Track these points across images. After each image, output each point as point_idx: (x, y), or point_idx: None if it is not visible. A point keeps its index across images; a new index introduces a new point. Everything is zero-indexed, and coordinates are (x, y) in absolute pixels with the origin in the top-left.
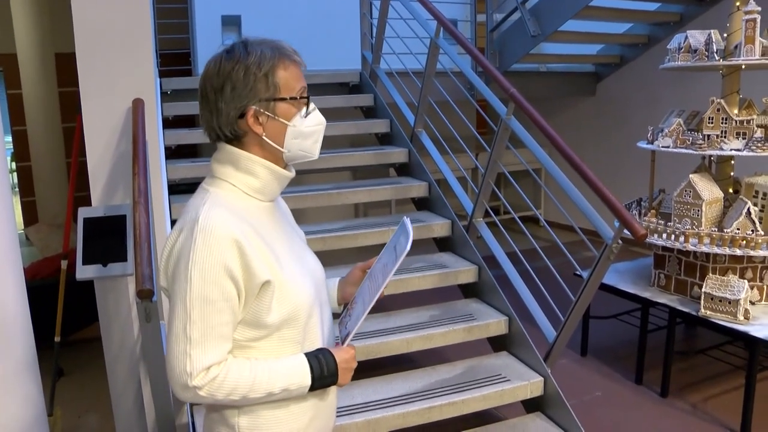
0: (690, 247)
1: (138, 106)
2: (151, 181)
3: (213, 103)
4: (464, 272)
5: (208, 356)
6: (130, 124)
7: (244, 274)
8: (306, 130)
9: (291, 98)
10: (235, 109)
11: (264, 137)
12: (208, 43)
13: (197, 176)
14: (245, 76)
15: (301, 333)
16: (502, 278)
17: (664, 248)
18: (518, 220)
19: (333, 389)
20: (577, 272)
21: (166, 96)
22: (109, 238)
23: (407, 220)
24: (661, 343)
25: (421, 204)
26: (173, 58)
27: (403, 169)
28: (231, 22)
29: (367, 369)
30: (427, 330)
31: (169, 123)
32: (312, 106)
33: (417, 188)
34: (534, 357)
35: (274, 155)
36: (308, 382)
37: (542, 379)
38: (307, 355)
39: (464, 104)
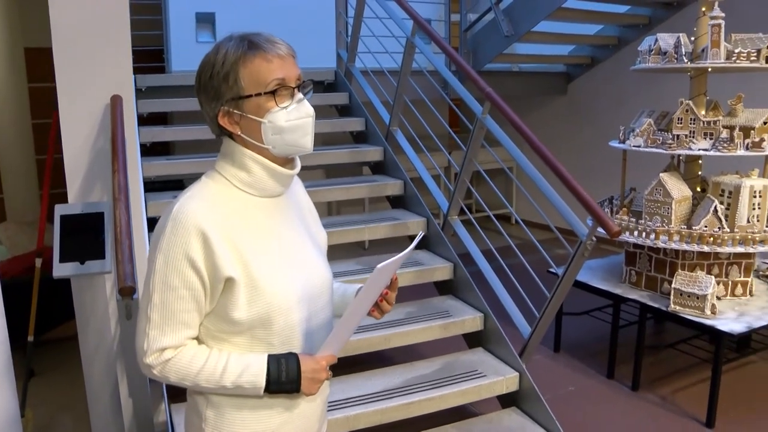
0: (660, 244)
1: (116, 102)
2: (129, 179)
3: (200, 105)
4: (440, 269)
5: (165, 339)
6: (108, 120)
7: (208, 267)
8: (286, 125)
9: (257, 94)
10: (210, 110)
11: (242, 135)
12: (182, 40)
13: (172, 174)
14: (211, 78)
15: (274, 335)
16: (477, 275)
17: (635, 245)
18: (493, 217)
19: (315, 398)
20: (551, 269)
21: (140, 93)
22: (86, 236)
23: (419, 235)
24: (631, 339)
25: (397, 202)
26: (147, 55)
27: (379, 168)
28: (205, 19)
29: (346, 366)
30: (404, 327)
31: (143, 120)
32: (297, 97)
33: (392, 186)
34: (509, 353)
35: (265, 149)
36: (262, 382)
37: (517, 374)
38: (270, 356)
39: (438, 103)
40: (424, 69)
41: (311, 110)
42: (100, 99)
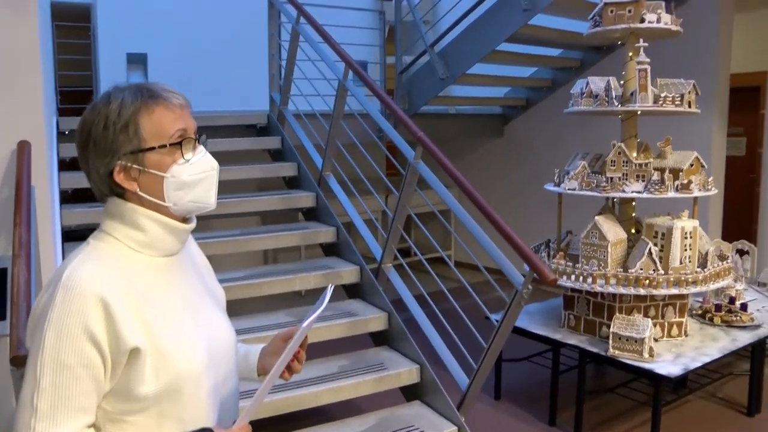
0: (598, 288)
1: (23, 149)
2: (38, 231)
3: (85, 163)
4: (374, 320)
5: (58, 430)
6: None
7: (110, 339)
8: (189, 179)
9: (160, 146)
10: (102, 167)
11: (141, 193)
12: (112, 81)
13: (96, 222)
14: (105, 129)
15: (185, 409)
16: (412, 322)
17: (573, 289)
18: (426, 263)
19: None
20: (488, 316)
21: (64, 136)
22: None
23: (329, 289)
24: (571, 383)
25: (330, 249)
26: (75, 96)
27: (311, 214)
28: (137, 60)
29: (273, 424)
30: (336, 382)
31: (66, 165)
32: (200, 150)
33: (325, 233)
34: (447, 406)
35: (165, 207)
36: None
37: (456, 428)
38: None
39: (372, 146)
40: (357, 112)
41: (215, 163)
42: (5, 146)
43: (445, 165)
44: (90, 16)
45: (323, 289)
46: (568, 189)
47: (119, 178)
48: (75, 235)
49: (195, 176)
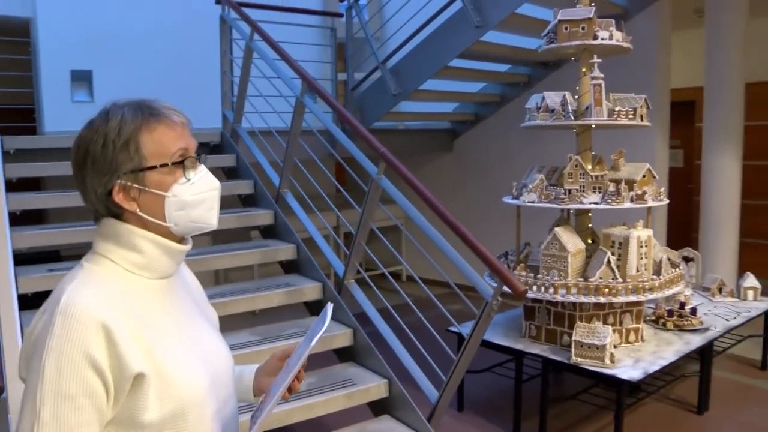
0: (559, 298)
1: None
2: None
3: (81, 181)
4: (339, 336)
5: None
6: None
7: (113, 366)
8: (191, 199)
9: (162, 165)
10: (100, 186)
11: (140, 213)
12: (55, 99)
13: (46, 244)
14: (104, 148)
15: None
16: (376, 336)
17: (534, 300)
18: (390, 276)
19: None
20: (451, 328)
21: (8, 156)
22: None
23: (329, 308)
24: (533, 393)
25: (289, 267)
26: (16, 114)
27: (269, 231)
28: (81, 77)
29: None
30: (306, 399)
31: (12, 186)
32: (201, 168)
33: (285, 251)
34: (417, 419)
35: (165, 228)
36: None
37: None
38: None
39: (323, 162)
40: (314, 129)
41: (217, 182)
42: None
43: (410, 180)
44: (30, 31)
45: (281, 308)
46: (528, 201)
47: (119, 198)
48: (25, 258)
49: (197, 196)
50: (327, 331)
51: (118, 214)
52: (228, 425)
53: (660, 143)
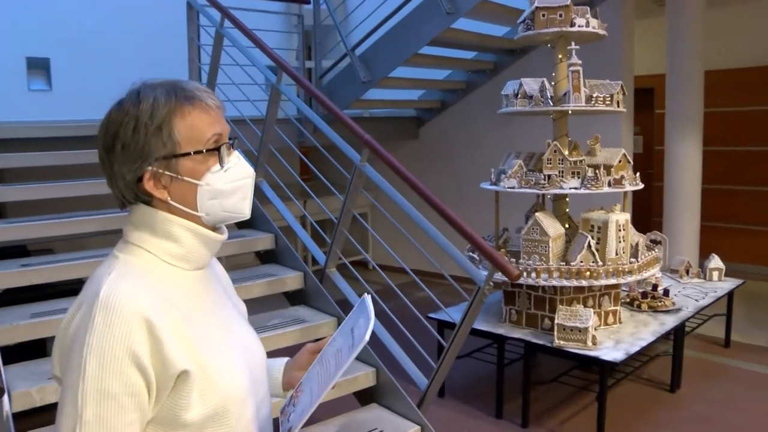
0: (542, 282)
1: None
2: None
3: (108, 166)
4: (324, 325)
5: None
6: None
7: (156, 363)
8: (225, 188)
9: (196, 152)
10: (130, 173)
11: (171, 202)
12: (10, 87)
13: (10, 239)
14: (135, 132)
15: (229, 431)
16: None
17: (514, 284)
18: (377, 267)
19: None
20: (431, 315)
21: None
22: None
23: (368, 299)
24: (514, 376)
25: (267, 257)
26: None
27: (246, 221)
28: (38, 65)
29: None
30: None
31: None
32: (234, 155)
33: (263, 241)
34: (407, 406)
35: (195, 217)
36: None
37: (419, 428)
38: None
39: (288, 150)
40: (291, 116)
41: (251, 170)
42: None
43: (396, 167)
44: None
45: (260, 299)
46: (508, 187)
47: (149, 185)
48: None
49: (231, 184)
50: (311, 321)
51: (148, 200)
52: (266, 423)
53: (625, 130)
